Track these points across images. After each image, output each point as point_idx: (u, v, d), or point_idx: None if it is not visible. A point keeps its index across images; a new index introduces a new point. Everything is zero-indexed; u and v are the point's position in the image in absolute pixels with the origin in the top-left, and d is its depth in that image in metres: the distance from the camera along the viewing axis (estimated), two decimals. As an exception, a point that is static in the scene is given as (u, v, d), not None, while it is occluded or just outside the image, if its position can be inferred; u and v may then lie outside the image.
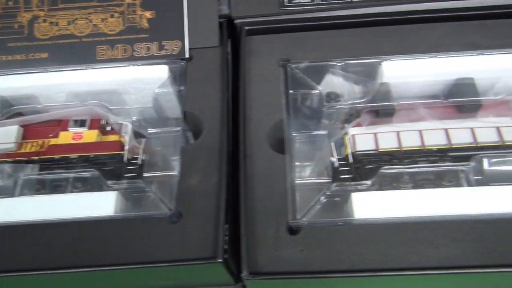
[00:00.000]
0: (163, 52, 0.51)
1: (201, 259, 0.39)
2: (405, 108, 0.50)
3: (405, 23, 0.50)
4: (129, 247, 0.41)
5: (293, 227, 0.41)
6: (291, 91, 0.49)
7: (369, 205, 0.42)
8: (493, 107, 0.50)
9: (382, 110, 0.50)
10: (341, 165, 0.46)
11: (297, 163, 0.46)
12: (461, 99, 0.48)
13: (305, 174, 0.47)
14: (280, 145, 0.46)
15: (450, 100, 0.48)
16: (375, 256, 0.39)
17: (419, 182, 0.46)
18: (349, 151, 0.47)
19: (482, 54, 0.50)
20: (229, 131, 0.46)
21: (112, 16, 0.52)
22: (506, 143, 0.46)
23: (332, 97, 0.53)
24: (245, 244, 0.39)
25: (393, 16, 0.50)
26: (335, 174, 0.46)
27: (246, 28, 0.52)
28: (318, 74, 0.51)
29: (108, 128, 0.52)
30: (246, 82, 0.50)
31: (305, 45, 0.51)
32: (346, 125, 0.49)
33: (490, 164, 0.45)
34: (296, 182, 0.44)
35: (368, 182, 0.45)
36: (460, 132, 0.47)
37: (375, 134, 0.48)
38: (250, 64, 0.51)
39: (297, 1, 0.50)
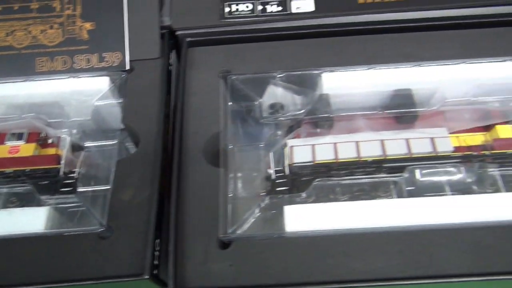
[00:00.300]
0: (103, 64, 0.51)
1: (128, 275, 0.38)
2: (344, 120, 0.51)
3: (344, 35, 0.51)
4: (57, 264, 0.40)
5: (224, 241, 0.42)
6: (230, 103, 0.49)
7: (301, 218, 0.42)
8: (429, 118, 0.51)
9: (321, 122, 0.50)
10: (278, 177, 0.47)
11: (234, 175, 0.47)
12: (398, 110, 0.49)
13: (242, 187, 0.47)
14: (217, 158, 0.46)
15: (386, 111, 0.49)
16: (302, 270, 0.39)
17: (355, 193, 0.47)
18: (286, 163, 0.48)
19: (419, 65, 0.51)
20: (165, 144, 0.47)
21: (51, 28, 0.51)
22: (439, 154, 0.47)
23: (276, 108, 0.53)
24: (172, 259, 0.39)
25: (332, 28, 0.51)
26: (272, 186, 0.47)
27: (188, 39, 0.52)
28: (259, 85, 0.51)
29: (50, 141, 0.52)
30: (186, 93, 0.50)
31: (245, 56, 0.51)
32: (285, 136, 0.50)
33: (422, 175, 0.46)
34: (232, 195, 0.44)
35: (303, 195, 0.45)
36: (395, 143, 0.48)
37: (312, 145, 0.48)
38: (191, 75, 0.51)
39: (237, 13, 0.50)
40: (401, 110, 0.48)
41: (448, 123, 0.50)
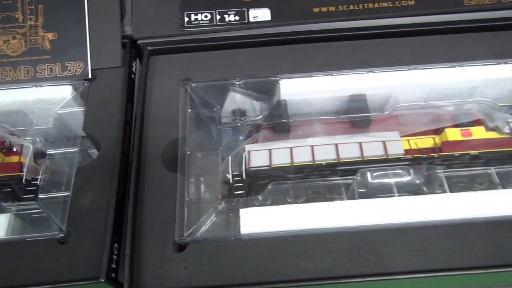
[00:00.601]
0: (66, 73, 0.52)
1: (85, 279, 0.40)
2: (301, 125, 0.52)
3: (300, 43, 0.53)
4: (17, 269, 0.41)
5: (180, 244, 0.43)
6: (189, 110, 0.51)
7: (255, 220, 0.44)
8: (383, 122, 0.53)
9: (278, 127, 0.52)
10: (235, 181, 0.48)
11: (194, 180, 0.48)
12: (353, 115, 0.51)
13: (200, 191, 0.48)
14: (175, 164, 0.48)
15: (341, 116, 0.51)
16: (255, 271, 0.40)
17: (311, 195, 0.49)
18: (243, 167, 0.49)
19: (372, 72, 0.53)
20: (125, 150, 0.48)
21: (14, 38, 0.52)
22: (390, 157, 0.49)
23: (237, 114, 0.55)
24: (128, 262, 0.40)
25: (288, 36, 0.52)
26: (229, 190, 0.48)
27: (149, 48, 0.53)
28: (218, 92, 0.52)
29: (14, 149, 0.53)
30: (146, 101, 0.51)
31: (205, 64, 0.53)
32: (244, 141, 0.52)
33: (373, 177, 0.48)
34: (190, 199, 0.46)
35: (259, 198, 0.47)
36: (349, 147, 0.49)
37: (269, 150, 0.50)
38: (152, 83, 0.53)
39: (197, 23, 0.52)
40: (356, 115, 0.51)
41: (400, 127, 0.52)
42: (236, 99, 0.54)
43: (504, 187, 0.46)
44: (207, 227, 0.44)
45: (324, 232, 0.43)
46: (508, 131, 0.50)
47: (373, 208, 0.44)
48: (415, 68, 0.52)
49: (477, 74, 0.52)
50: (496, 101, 0.52)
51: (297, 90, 0.52)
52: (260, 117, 0.51)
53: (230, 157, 0.50)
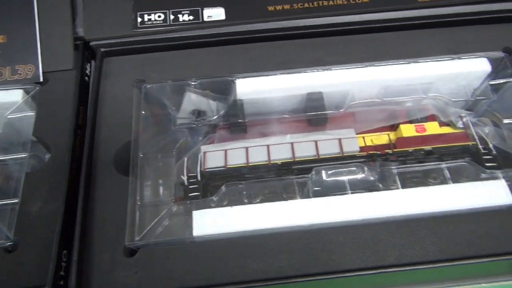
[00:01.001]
0: (16, 77, 0.51)
1: (31, 287, 0.39)
2: (257, 124, 0.52)
3: (255, 42, 0.53)
4: (-38, 279, 0.41)
5: (131, 248, 0.42)
6: (143, 112, 0.50)
7: (208, 222, 0.43)
8: (340, 120, 0.53)
9: (234, 127, 0.51)
10: (190, 183, 0.48)
11: (147, 183, 0.48)
12: (308, 114, 0.51)
13: (154, 194, 0.48)
14: (128, 167, 0.47)
15: (296, 115, 0.51)
16: (205, 273, 0.40)
17: (267, 195, 0.49)
18: (198, 168, 0.49)
19: (329, 69, 0.53)
20: (76, 155, 0.47)
21: (-39, 42, 0.51)
22: (345, 154, 0.49)
23: (196, 114, 0.55)
24: (75, 269, 0.39)
25: (243, 35, 0.52)
26: (184, 192, 0.48)
27: (102, 50, 0.52)
28: (174, 93, 0.52)
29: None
30: (100, 104, 0.50)
31: (160, 65, 0.52)
32: (201, 142, 0.51)
33: (328, 175, 0.47)
34: (142, 203, 0.45)
35: (214, 199, 0.47)
36: (304, 145, 0.49)
37: (225, 150, 0.50)
38: (106, 85, 0.52)
39: (150, 23, 0.51)
40: (310, 114, 0.50)
41: (357, 124, 0.53)
42: (192, 100, 0.53)
43: (456, 181, 0.47)
44: (160, 230, 0.43)
45: (277, 232, 0.42)
46: (461, 126, 0.51)
47: (326, 206, 0.43)
48: (370, 65, 0.52)
49: (432, 70, 0.52)
50: (451, 96, 0.53)
51: (253, 89, 0.51)
52: (216, 117, 0.51)
53: (185, 159, 0.49)
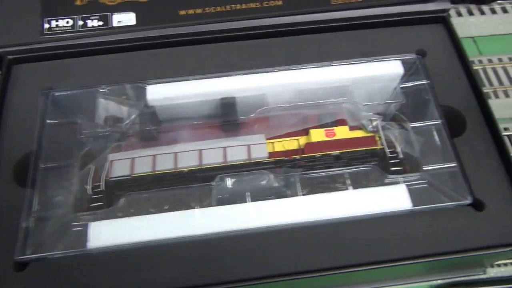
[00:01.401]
0: None
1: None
2: (168, 131, 0.52)
3: (167, 47, 0.52)
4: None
5: (21, 263, 0.41)
6: (48, 121, 0.49)
7: (104, 233, 0.42)
8: (253, 125, 0.52)
9: (144, 134, 0.51)
10: (94, 193, 0.47)
11: (46, 194, 0.47)
12: (217, 120, 0.50)
13: (54, 206, 0.47)
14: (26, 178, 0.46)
15: (204, 122, 0.50)
16: (95, 286, 0.40)
17: (173, 204, 0.48)
18: (103, 177, 0.48)
19: (243, 74, 0.52)
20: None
21: None
22: (252, 161, 0.49)
23: (110, 121, 0.54)
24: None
25: (155, 40, 0.51)
26: (88, 202, 0.48)
27: (9, 57, 0.51)
28: (83, 100, 0.51)
29: None
30: (4, 112, 0.49)
31: (70, 72, 0.51)
32: (108, 151, 0.51)
33: (233, 183, 0.47)
34: (41, 215, 0.44)
35: (116, 209, 0.46)
36: (213, 152, 0.49)
37: (132, 159, 0.49)
38: (14, 93, 0.50)
39: (57, 29, 0.50)
40: (219, 120, 0.50)
41: (270, 130, 0.52)
42: (105, 107, 0.52)
43: (362, 186, 0.46)
44: (57, 242, 0.43)
45: (173, 242, 0.42)
46: (372, 129, 0.51)
47: (223, 215, 0.43)
48: (284, 69, 0.52)
49: (345, 73, 0.52)
50: (366, 99, 0.53)
51: (165, 95, 0.50)
52: (124, 124, 0.50)
53: (92, 167, 0.49)
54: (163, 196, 0.47)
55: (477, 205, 0.43)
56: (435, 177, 0.46)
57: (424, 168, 0.46)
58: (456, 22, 0.77)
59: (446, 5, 0.54)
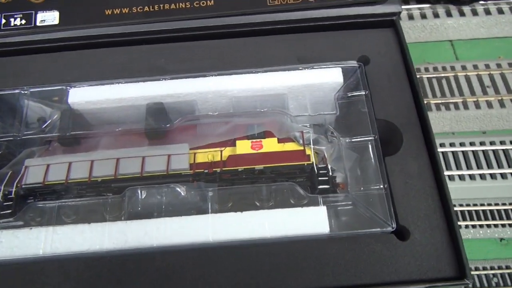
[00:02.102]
0: None
1: None
2: (90, 137, 0.49)
3: (92, 48, 0.49)
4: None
5: None
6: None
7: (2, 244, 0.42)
8: (179, 133, 0.49)
9: (63, 140, 0.48)
10: (5, 200, 0.46)
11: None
12: (137, 128, 0.47)
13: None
14: None
15: (125, 129, 0.48)
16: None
17: (87, 214, 0.46)
18: (15, 184, 0.46)
19: (170, 78, 0.49)
20: None
21: None
22: (170, 172, 0.46)
23: (40, 123, 0.52)
24: None
25: (79, 41, 0.48)
26: (-1, 209, 0.46)
27: None
28: (2, 103, 0.49)
29: None
30: None
31: (-9, 72, 0.50)
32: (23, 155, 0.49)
33: (146, 195, 0.45)
34: None
35: (18, 219, 0.44)
36: (130, 162, 0.46)
37: (47, 165, 0.47)
38: None
39: (-21, 27, 0.48)
40: (140, 128, 0.47)
41: (196, 139, 0.49)
42: (25, 109, 0.50)
43: (282, 204, 0.43)
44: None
45: (73, 257, 0.40)
46: (301, 142, 0.48)
47: (124, 231, 0.40)
48: (216, 75, 0.49)
49: (281, 81, 0.48)
50: (299, 109, 0.49)
51: (87, 99, 0.48)
52: (44, 127, 0.48)
53: (8, 172, 0.47)
54: (71, 207, 0.45)
55: (400, 233, 0.40)
56: (362, 199, 0.43)
57: (350, 188, 0.43)
58: (432, 23, 0.72)
59: (397, 8, 0.49)
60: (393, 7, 0.49)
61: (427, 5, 0.67)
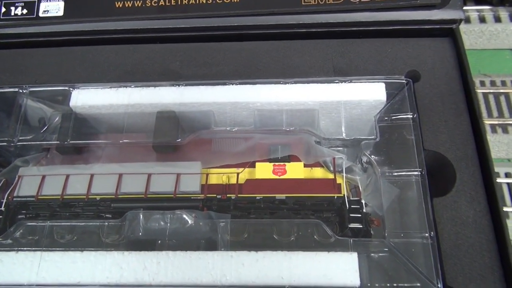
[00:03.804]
0: None
1: None
2: (93, 146, 0.44)
3: (98, 44, 0.43)
4: None
5: None
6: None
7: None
8: (193, 147, 0.43)
9: (61, 148, 0.43)
10: (-4, 213, 0.41)
11: None
12: (157, 138, 0.42)
13: None
14: None
15: (126, 141, 0.41)
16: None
17: (79, 236, 0.41)
18: (6, 196, 0.41)
19: (184, 85, 0.42)
20: None
21: None
22: (178, 195, 0.40)
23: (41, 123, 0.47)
24: None
25: (84, 35, 0.42)
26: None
27: None
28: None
29: None
30: None
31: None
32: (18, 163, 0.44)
33: (147, 221, 0.39)
34: None
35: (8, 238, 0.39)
36: (134, 179, 0.40)
37: (43, 176, 0.42)
38: None
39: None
40: (147, 141, 0.41)
41: (210, 156, 0.42)
42: (21, 111, 0.44)
43: (304, 242, 0.36)
44: None
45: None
46: (332, 170, 0.41)
47: (120, 263, 0.35)
48: (238, 83, 0.42)
49: (311, 94, 0.41)
50: (334, 129, 0.42)
51: (92, 102, 0.42)
52: (43, 131, 0.43)
53: (2, 180, 0.42)
54: (65, 227, 0.40)
55: (446, 294, 0.33)
56: (401, 247, 0.36)
57: (388, 233, 0.36)
58: (492, 29, 0.60)
59: (458, 15, 0.41)
60: (454, 13, 0.41)
61: (488, 7, 0.58)
